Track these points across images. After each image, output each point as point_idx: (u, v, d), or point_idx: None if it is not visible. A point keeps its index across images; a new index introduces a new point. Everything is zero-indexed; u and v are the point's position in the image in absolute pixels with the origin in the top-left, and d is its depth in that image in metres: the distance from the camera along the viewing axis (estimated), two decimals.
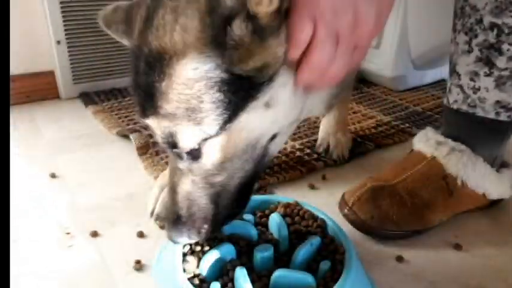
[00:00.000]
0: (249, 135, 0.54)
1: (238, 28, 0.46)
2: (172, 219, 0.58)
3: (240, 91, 0.49)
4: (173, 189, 0.58)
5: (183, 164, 0.55)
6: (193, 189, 0.56)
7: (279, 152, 1.08)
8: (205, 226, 0.58)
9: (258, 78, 0.49)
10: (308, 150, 1.09)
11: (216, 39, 0.46)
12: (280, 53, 0.49)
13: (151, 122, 0.53)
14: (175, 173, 0.58)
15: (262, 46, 0.48)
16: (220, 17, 0.45)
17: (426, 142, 0.85)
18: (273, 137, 0.57)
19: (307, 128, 1.22)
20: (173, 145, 0.52)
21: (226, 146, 0.53)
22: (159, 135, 0.53)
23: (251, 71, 0.48)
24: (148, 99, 0.50)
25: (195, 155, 0.53)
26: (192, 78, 0.47)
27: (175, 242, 0.59)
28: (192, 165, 0.55)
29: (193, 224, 0.57)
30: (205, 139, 0.51)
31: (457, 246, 0.77)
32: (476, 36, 0.77)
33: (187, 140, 0.51)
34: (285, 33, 0.49)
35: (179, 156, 0.55)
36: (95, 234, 0.79)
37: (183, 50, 0.47)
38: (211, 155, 0.53)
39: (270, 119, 0.54)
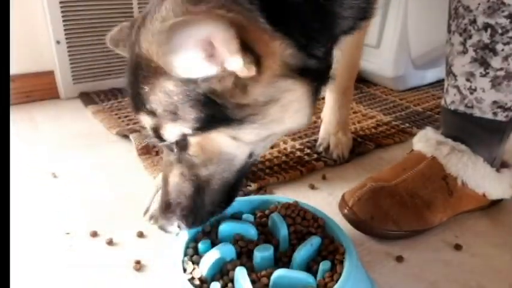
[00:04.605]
0: (223, 150, 0.57)
1: (218, 80, 0.49)
2: (163, 207, 0.62)
3: (213, 113, 0.52)
4: (165, 180, 0.62)
5: (173, 156, 0.60)
6: (181, 180, 0.60)
7: (279, 152, 1.08)
8: (191, 216, 0.61)
9: (233, 114, 0.52)
10: (308, 150, 1.09)
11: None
12: (261, 99, 0.52)
13: (141, 117, 0.57)
14: (167, 164, 0.62)
15: (244, 93, 0.51)
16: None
17: (426, 142, 0.85)
18: (250, 155, 0.61)
19: (307, 127, 1.21)
20: (160, 138, 0.56)
21: (205, 148, 0.57)
22: (148, 129, 0.57)
23: (231, 103, 0.51)
24: (136, 97, 0.55)
25: (182, 145, 0.57)
26: (173, 91, 0.51)
27: (166, 231, 0.63)
28: (181, 156, 0.59)
29: (181, 212, 0.61)
30: (185, 135, 0.55)
31: (457, 246, 0.77)
32: (470, 37, 0.77)
33: (169, 134, 0.55)
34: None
35: (170, 148, 0.59)
36: (94, 234, 0.79)
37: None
38: (196, 149, 0.57)
39: (240, 147, 0.58)
